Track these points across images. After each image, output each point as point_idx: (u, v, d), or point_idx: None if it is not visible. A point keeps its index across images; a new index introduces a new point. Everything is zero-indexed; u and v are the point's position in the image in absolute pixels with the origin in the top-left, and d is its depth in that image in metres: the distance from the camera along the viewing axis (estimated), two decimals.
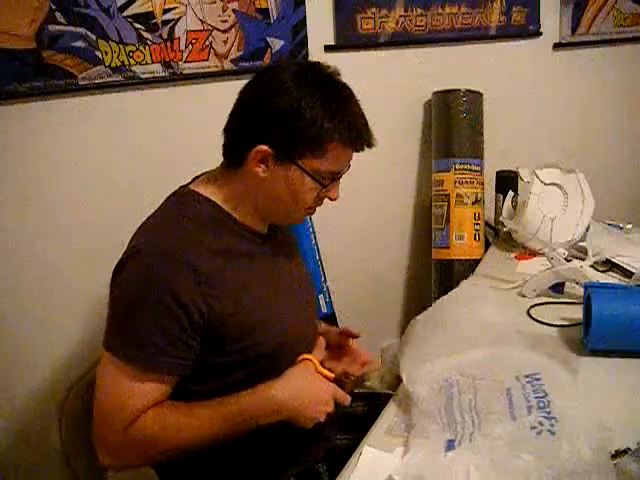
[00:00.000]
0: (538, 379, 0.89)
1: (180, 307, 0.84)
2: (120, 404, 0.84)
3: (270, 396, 0.87)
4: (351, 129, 0.90)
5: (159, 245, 0.88)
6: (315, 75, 0.91)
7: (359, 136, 0.92)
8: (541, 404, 0.82)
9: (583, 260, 1.34)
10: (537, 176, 1.60)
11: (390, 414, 0.88)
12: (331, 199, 0.98)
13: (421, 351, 1.00)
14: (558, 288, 1.29)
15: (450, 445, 0.77)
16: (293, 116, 0.87)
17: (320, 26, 1.76)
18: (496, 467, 0.71)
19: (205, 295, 0.86)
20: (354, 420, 1.04)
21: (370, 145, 0.94)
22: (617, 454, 0.69)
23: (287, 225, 1.10)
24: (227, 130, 0.96)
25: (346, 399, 0.92)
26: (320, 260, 1.81)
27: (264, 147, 0.88)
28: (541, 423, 0.77)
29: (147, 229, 0.93)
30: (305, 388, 0.90)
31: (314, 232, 1.79)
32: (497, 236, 1.87)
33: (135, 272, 0.86)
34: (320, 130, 0.88)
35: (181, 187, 0.99)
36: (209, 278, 0.87)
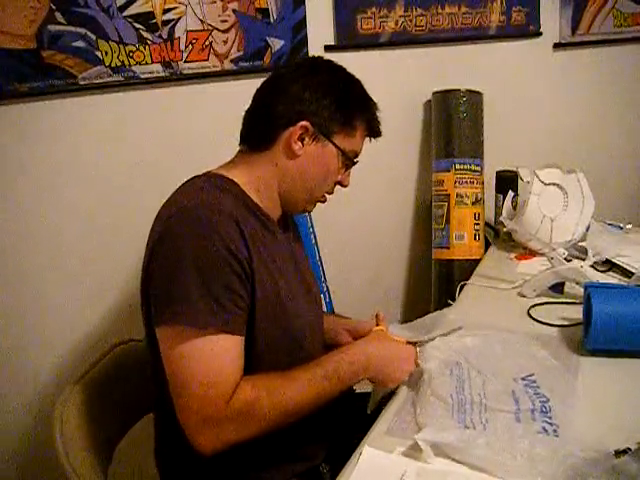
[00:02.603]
0: (534, 381, 0.90)
1: (236, 260, 0.83)
2: (217, 377, 0.81)
3: (361, 350, 0.93)
4: (374, 113, 1.00)
5: (202, 201, 0.87)
6: (338, 65, 1.01)
7: (378, 121, 1.01)
8: (544, 408, 0.83)
9: (583, 260, 1.33)
10: (537, 176, 1.59)
11: (390, 414, 0.88)
12: (344, 185, 1.04)
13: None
14: (558, 288, 1.29)
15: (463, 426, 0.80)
16: (333, 93, 0.95)
17: (320, 26, 1.76)
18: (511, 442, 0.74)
19: (249, 253, 0.86)
20: (354, 420, 1.04)
21: (380, 133, 1.03)
22: (617, 454, 0.69)
23: (300, 214, 1.12)
24: (254, 113, 0.99)
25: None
26: (320, 260, 1.81)
27: (306, 123, 0.93)
28: (545, 429, 0.78)
29: (180, 195, 0.92)
30: (388, 347, 0.97)
31: (314, 232, 1.79)
32: (497, 236, 1.87)
33: (185, 232, 0.83)
34: (353, 108, 0.96)
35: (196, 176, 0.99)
36: (250, 240, 0.87)
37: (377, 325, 1.08)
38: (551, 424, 0.79)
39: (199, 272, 0.81)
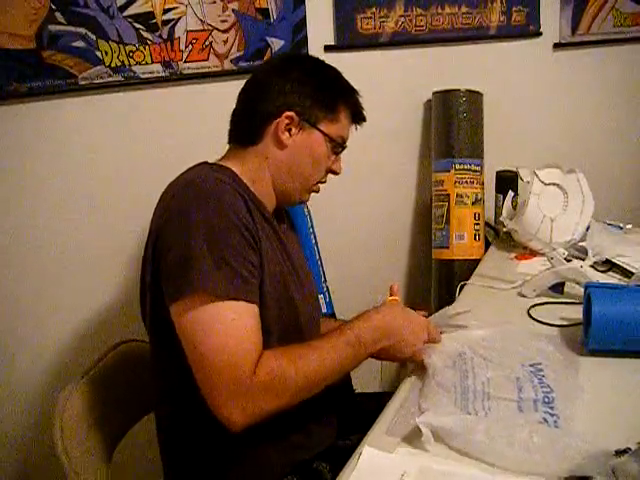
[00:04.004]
0: (540, 370, 0.91)
1: (246, 229, 0.84)
2: (240, 344, 0.80)
3: (382, 317, 0.93)
4: (356, 97, 1.04)
5: (203, 176, 0.89)
6: (315, 57, 1.08)
7: (360, 105, 1.05)
8: (546, 399, 0.83)
9: (583, 260, 1.33)
10: (537, 176, 1.59)
11: (390, 414, 0.88)
12: (336, 173, 1.07)
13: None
14: (558, 288, 1.29)
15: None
16: (312, 81, 0.99)
17: (320, 26, 1.76)
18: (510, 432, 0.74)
19: (255, 225, 0.87)
20: (354, 420, 1.04)
21: (365, 118, 1.07)
22: (617, 454, 0.69)
23: (296, 204, 1.13)
24: (241, 111, 1.02)
25: (438, 334, 0.98)
26: (320, 260, 1.81)
27: (291, 113, 0.96)
28: (546, 419, 0.78)
29: (178, 180, 0.93)
30: (404, 314, 0.97)
31: (314, 232, 1.79)
32: (497, 236, 1.87)
33: (192, 204, 0.84)
34: (334, 94, 1.01)
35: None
36: (254, 214, 0.89)
37: (391, 295, 1.09)
38: (552, 415, 0.79)
39: (211, 242, 0.81)
